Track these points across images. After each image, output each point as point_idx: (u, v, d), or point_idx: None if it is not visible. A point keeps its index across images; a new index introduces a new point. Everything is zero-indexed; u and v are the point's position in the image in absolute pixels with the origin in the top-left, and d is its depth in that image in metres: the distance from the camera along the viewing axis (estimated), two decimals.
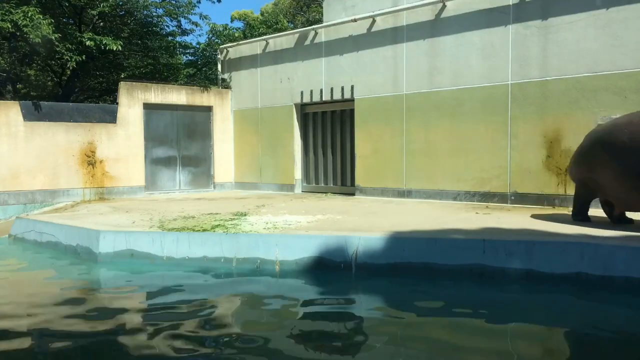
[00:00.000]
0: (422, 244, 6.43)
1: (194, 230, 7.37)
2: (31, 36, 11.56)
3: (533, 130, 9.50)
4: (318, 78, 12.94)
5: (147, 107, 13.62)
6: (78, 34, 14.07)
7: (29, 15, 11.56)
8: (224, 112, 14.98)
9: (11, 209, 11.52)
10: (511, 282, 5.96)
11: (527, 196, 9.59)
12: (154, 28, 16.98)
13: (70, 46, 13.21)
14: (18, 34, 12.35)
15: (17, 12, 11.59)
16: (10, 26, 11.52)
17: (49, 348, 4.52)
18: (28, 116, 11.84)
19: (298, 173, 13.70)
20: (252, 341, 4.67)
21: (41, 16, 11.72)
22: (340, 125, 13.01)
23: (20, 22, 11.49)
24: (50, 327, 5.02)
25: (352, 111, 12.44)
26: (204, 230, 7.36)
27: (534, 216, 8.13)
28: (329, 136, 13.25)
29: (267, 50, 14.19)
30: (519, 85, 9.67)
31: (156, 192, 13.85)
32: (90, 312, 5.59)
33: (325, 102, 13.04)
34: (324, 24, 12.86)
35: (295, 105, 13.58)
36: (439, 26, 10.71)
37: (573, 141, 9.04)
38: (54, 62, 16.72)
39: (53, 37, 12.00)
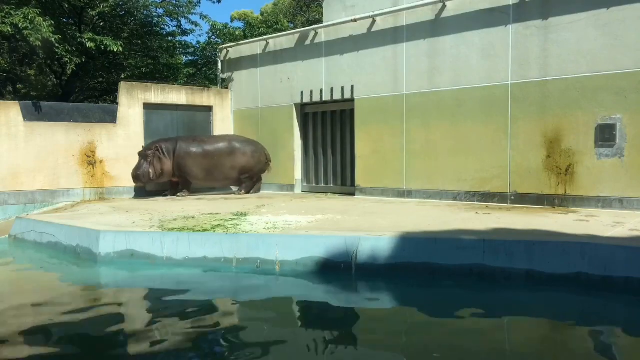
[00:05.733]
0: (422, 244, 6.43)
1: (194, 230, 7.38)
2: (31, 39, 11.54)
3: (533, 130, 9.49)
4: (318, 78, 12.94)
5: (147, 107, 13.61)
6: (78, 34, 14.08)
7: (29, 17, 11.53)
8: (224, 112, 14.98)
9: (11, 209, 11.51)
10: (511, 283, 5.95)
11: (527, 196, 9.59)
12: (154, 28, 17.00)
13: (70, 48, 13.20)
14: (18, 36, 12.34)
15: (17, 15, 11.57)
16: (10, 29, 11.50)
17: (48, 348, 4.53)
18: (28, 116, 11.84)
19: (298, 173, 13.70)
20: (252, 341, 4.67)
21: (41, 18, 11.69)
22: (340, 125, 13.00)
23: (20, 24, 11.46)
24: (50, 327, 5.03)
25: (352, 111, 12.43)
26: (204, 230, 7.36)
27: (534, 216, 8.13)
28: (329, 136, 13.24)
29: (267, 50, 14.19)
30: (519, 85, 9.67)
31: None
32: (89, 312, 5.59)
33: (325, 102, 13.04)
34: (324, 24, 12.85)
35: (295, 105, 13.58)
36: (439, 26, 10.70)
37: (573, 141, 9.04)
38: (54, 63, 16.74)
39: (53, 39, 11.98)
